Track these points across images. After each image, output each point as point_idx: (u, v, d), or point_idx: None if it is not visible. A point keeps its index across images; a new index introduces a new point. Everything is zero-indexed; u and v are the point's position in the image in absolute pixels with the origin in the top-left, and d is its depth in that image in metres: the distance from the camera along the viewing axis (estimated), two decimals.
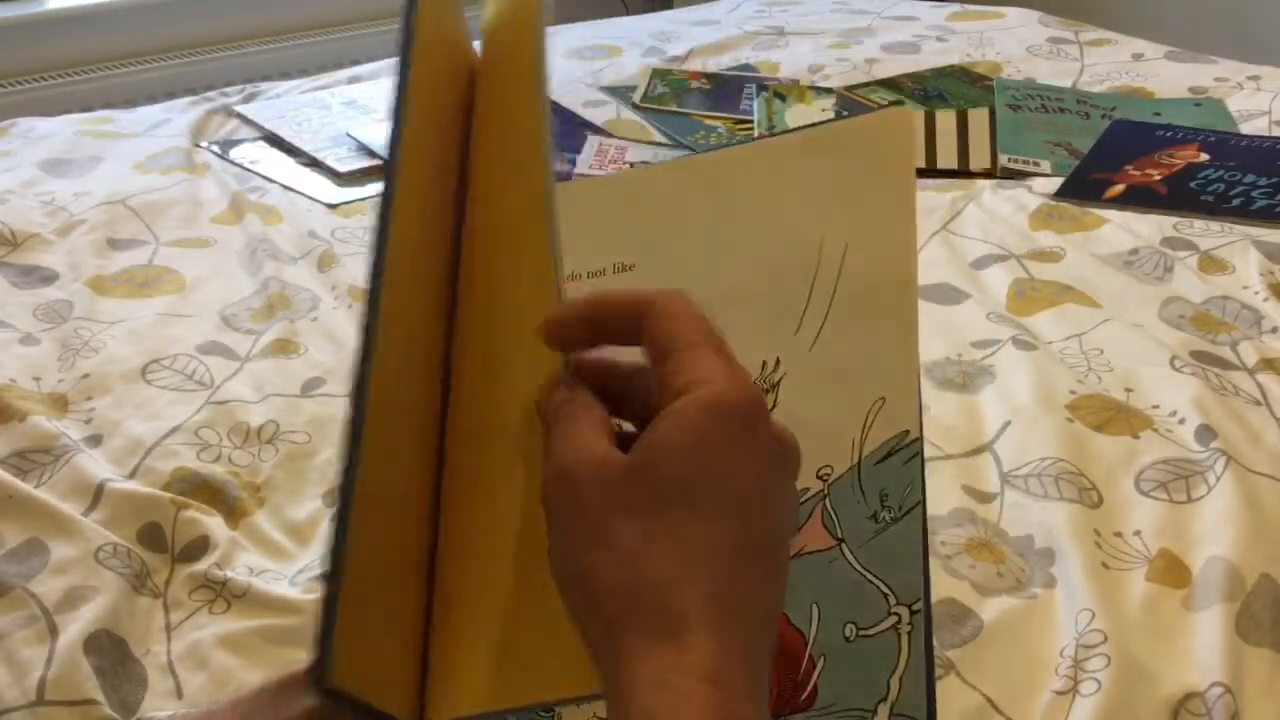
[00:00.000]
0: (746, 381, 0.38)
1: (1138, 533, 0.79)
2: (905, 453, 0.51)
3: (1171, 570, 0.76)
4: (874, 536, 0.51)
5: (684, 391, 0.37)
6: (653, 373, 0.39)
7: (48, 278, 1.13)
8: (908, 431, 0.51)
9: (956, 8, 1.93)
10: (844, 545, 0.51)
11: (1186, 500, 0.81)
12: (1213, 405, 0.89)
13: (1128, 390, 0.92)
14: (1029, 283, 1.09)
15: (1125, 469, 0.84)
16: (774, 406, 0.52)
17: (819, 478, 0.51)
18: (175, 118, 1.53)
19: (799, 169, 0.54)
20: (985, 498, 0.82)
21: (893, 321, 0.52)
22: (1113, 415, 0.89)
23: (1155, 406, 0.90)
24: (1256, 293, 1.06)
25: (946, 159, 0.53)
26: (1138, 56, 1.70)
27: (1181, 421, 0.88)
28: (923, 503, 0.51)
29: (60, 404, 0.93)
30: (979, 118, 0.54)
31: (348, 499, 0.39)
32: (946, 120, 0.52)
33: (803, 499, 0.51)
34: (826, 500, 0.51)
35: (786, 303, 0.52)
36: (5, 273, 1.13)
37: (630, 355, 0.42)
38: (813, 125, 0.57)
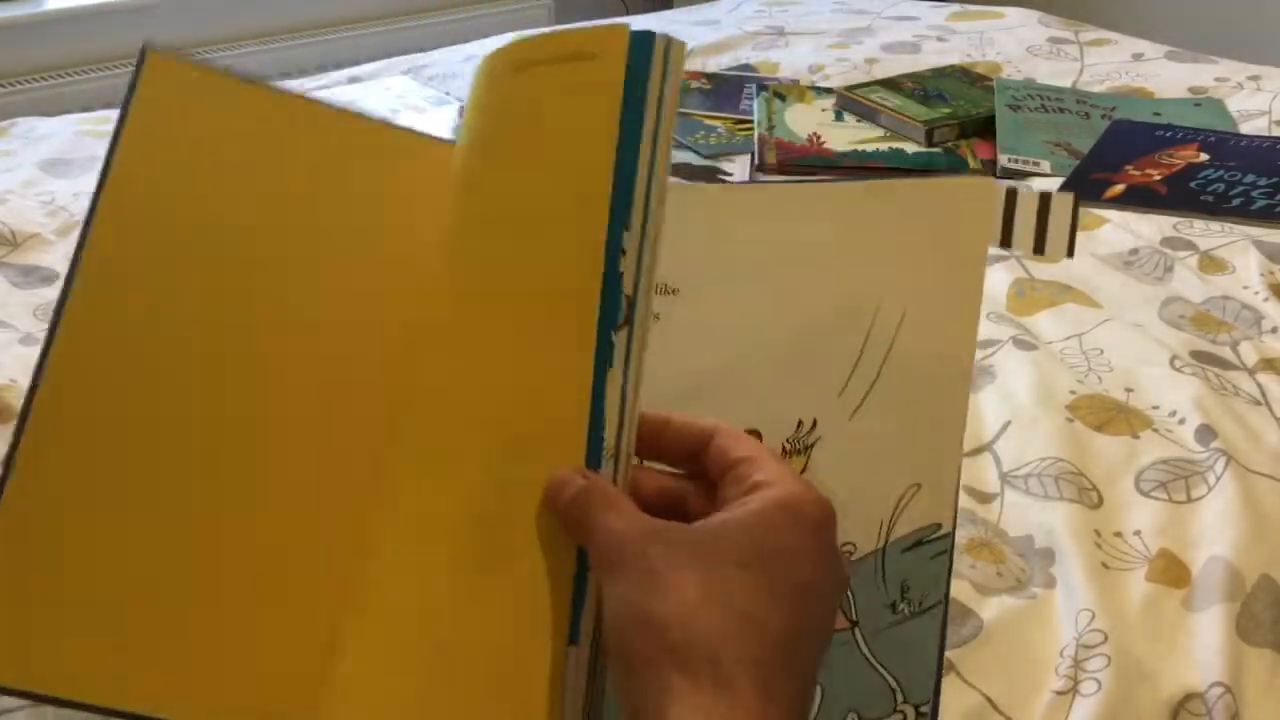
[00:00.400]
0: (818, 491, 0.42)
1: (1138, 533, 0.79)
2: (934, 546, 0.49)
3: (1171, 570, 0.76)
4: (890, 627, 0.50)
5: (756, 489, 0.41)
6: (717, 485, 0.43)
7: (48, 278, 1.13)
8: (940, 525, 0.49)
9: (956, 8, 1.93)
10: (857, 629, 0.50)
11: (1186, 500, 0.81)
12: (1213, 405, 0.89)
13: (1128, 390, 0.92)
14: (1029, 282, 1.09)
15: (1125, 469, 0.84)
16: (804, 469, 0.50)
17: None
18: None
19: (864, 220, 0.51)
20: (985, 498, 0.82)
21: (941, 409, 0.49)
22: (1113, 415, 0.89)
23: (1155, 406, 0.90)
24: (1256, 293, 1.06)
25: (1022, 240, 0.50)
26: (1138, 56, 1.70)
27: (1181, 421, 0.88)
28: (944, 604, 0.50)
29: None
30: (1064, 201, 0.50)
31: None
32: (1029, 200, 0.48)
33: None
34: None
35: (832, 362, 0.50)
36: (5, 273, 1.13)
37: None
38: (884, 177, 0.53)
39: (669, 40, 0.45)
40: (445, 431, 0.46)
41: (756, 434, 0.50)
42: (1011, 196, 0.50)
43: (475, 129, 0.49)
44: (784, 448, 0.50)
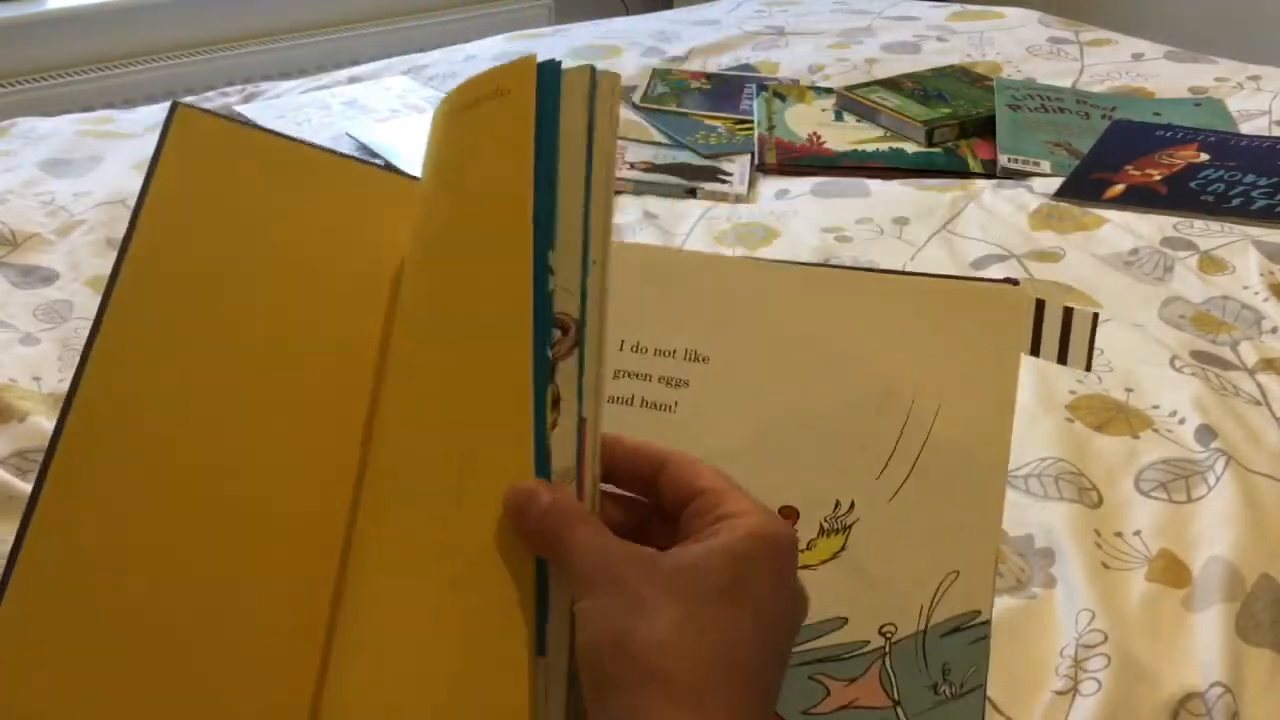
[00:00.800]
0: (779, 520, 0.43)
1: (1138, 533, 0.79)
2: (973, 633, 0.51)
3: (1171, 570, 0.76)
4: (932, 708, 0.50)
5: (722, 519, 0.41)
6: (675, 515, 0.43)
7: (48, 278, 1.13)
8: (979, 612, 0.51)
9: (956, 8, 1.93)
10: (900, 709, 0.50)
11: (1186, 500, 0.81)
12: (1213, 405, 0.89)
13: (1128, 390, 0.92)
14: (1029, 283, 1.09)
15: (1125, 469, 0.84)
16: (843, 548, 0.51)
17: (881, 634, 0.51)
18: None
19: (901, 313, 0.53)
20: None
21: (978, 500, 0.51)
22: (1113, 415, 0.89)
23: (1155, 406, 0.90)
24: (1256, 293, 1.06)
25: (1049, 350, 0.53)
26: (1138, 56, 1.70)
27: (1181, 421, 0.88)
28: (984, 686, 0.51)
29: (60, 404, 0.93)
30: (1084, 317, 0.54)
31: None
32: (1055, 312, 0.52)
33: (860, 651, 0.51)
34: (886, 659, 0.50)
35: (869, 444, 0.51)
36: (5, 273, 1.13)
37: None
38: (923, 275, 0.56)
39: (591, 69, 0.47)
40: (409, 456, 0.47)
41: (794, 511, 0.51)
42: (1040, 307, 0.53)
43: (428, 168, 0.52)
44: (821, 526, 0.51)
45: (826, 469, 0.52)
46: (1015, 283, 0.53)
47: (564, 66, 0.47)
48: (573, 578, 0.41)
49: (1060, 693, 0.68)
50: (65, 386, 0.94)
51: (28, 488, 0.81)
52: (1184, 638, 0.72)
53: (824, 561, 0.51)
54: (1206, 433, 0.86)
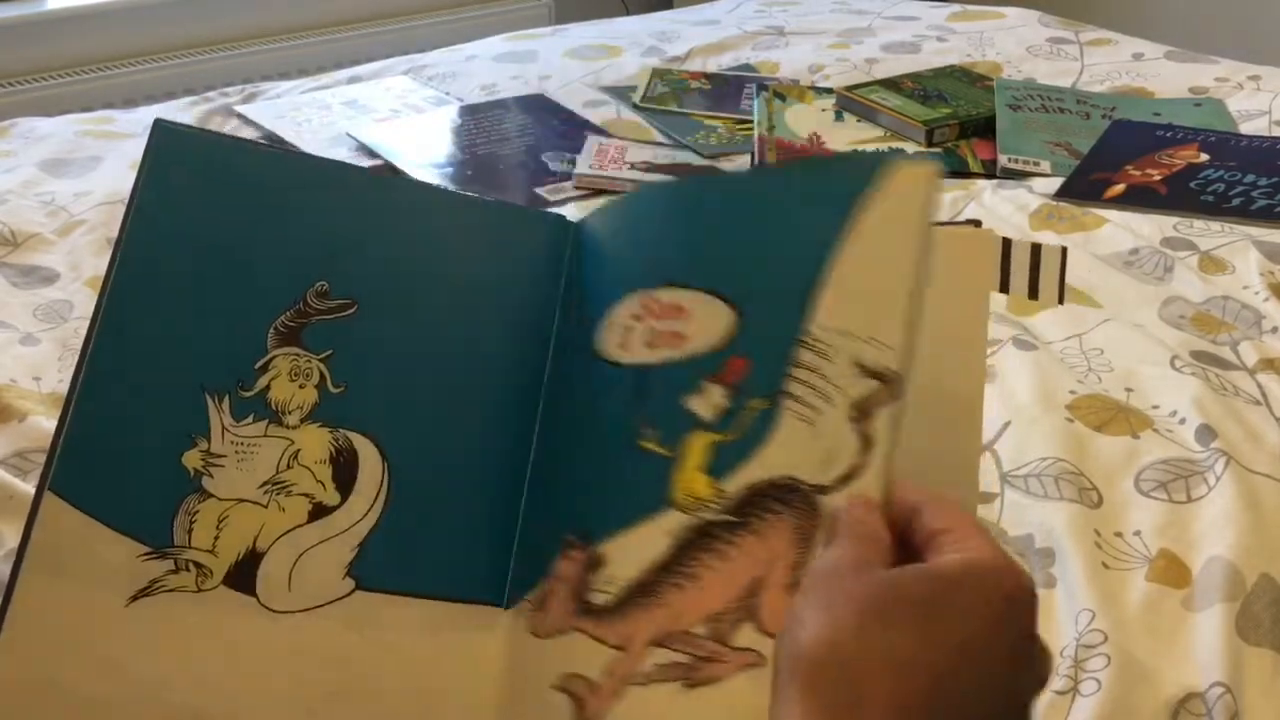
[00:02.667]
0: (1021, 569, 0.42)
1: (1138, 533, 0.79)
2: None
3: (1171, 570, 0.76)
4: None
5: (948, 547, 0.42)
6: (927, 548, 0.43)
7: (48, 278, 1.13)
8: None
9: (956, 8, 1.93)
10: None
11: (1186, 500, 0.81)
12: (1213, 405, 0.89)
13: (1128, 390, 0.92)
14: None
15: (1125, 469, 0.84)
16: None
17: None
18: (175, 118, 1.53)
19: None
20: (985, 498, 0.82)
21: (956, 441, 0.52)
22: (1113, 415, 0.89)
23: (1155, 406, 0.90)
24: (1257, 293, 1.06)
25: (1018, 286, 0.54)
26: (1138, 56, 1.70)
27: (1182, 421, 0.88)
28: None
29: (60, 404, 0.93)
30: (1053, 252, 0.54)
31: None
32: (1022, 249, 0.52)
33: None
34: None
35: None
36: (5, 273, 1.13)
37: None
38: None
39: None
40: None
41: None
42: (1007, 245, 0.54)
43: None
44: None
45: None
46: (978, 224, 0.54)
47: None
48: (808, 574, 0.43)
49: (1060, 693, 0.68)
50: (65, 387, 0.95)
51: (28, 488, 0.81)
52: (1184, 638, 0.72)
53: None
54: (1206, 433, 0.86)
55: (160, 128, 0.57)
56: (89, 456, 0.52)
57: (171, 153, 0.57)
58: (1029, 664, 0.41)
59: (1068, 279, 1.07)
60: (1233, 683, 0.68)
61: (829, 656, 0.38)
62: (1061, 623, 0.73)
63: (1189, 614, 0.73)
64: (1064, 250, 0.54)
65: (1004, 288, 0.53)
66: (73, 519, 0.51)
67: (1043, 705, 0.68)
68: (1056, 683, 0.69)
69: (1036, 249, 0.53)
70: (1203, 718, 0.67)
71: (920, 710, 0.38)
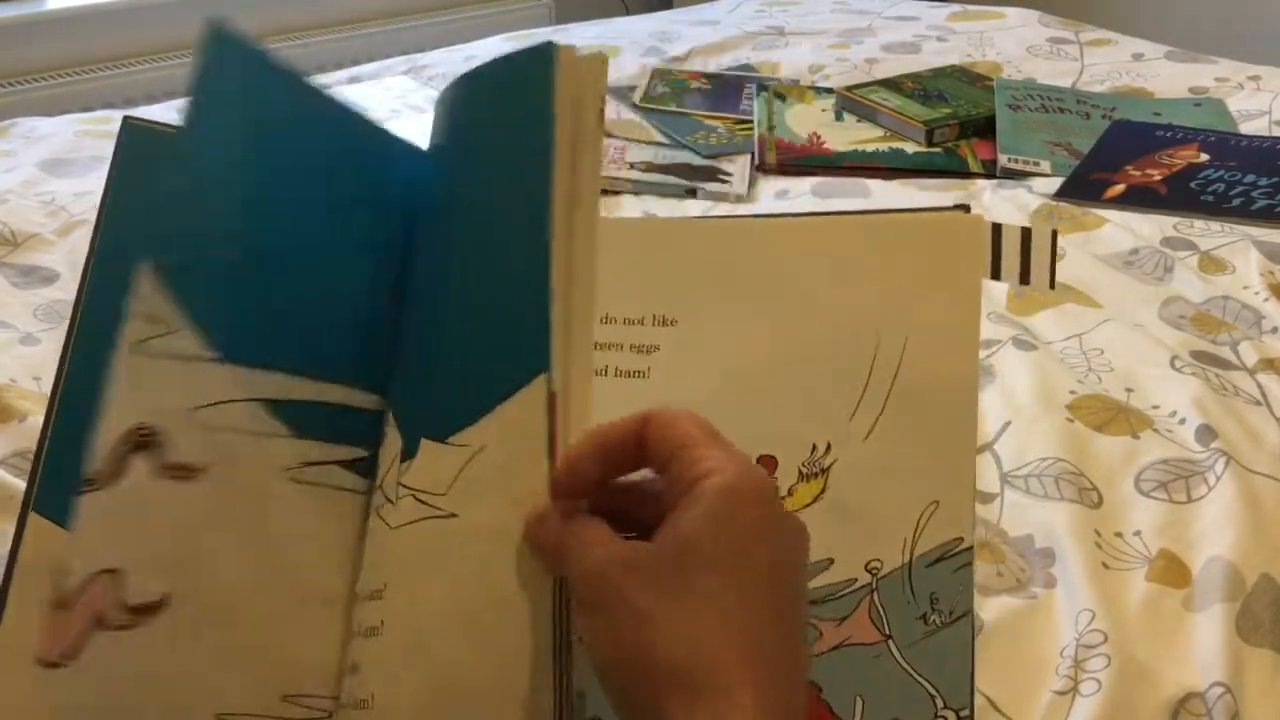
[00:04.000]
0: (754, 467, 0.42)
1: (1138, 533, 0.79)
2: (957, 560, 0.51)
3: (1172, 570, 0.76)
4: (923, 638, 0.51)
5: (698, 480, 0.41)
6: (661, 476, 0.43)
7: (48, 278, 1.13)
8: (961, 539, 0.51)
9: (956, 8, 1.94)
10: (891, 642, 0.51)
11: (1186, 500, 0.81)
12: (1213, 405, 0.89)
13: (1128, 390, 0.92)
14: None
15: (1125, 469, 0.84)
16: (823, 490, 0.52)
17: (867, 570, 0.51)
18: (175, 118, 1.53)
19: (860, 253, 0.54)
20: (985, 498, 0.82)
21: (951, 425, 0.52)
22: (1113, 415, 0.89)
23: (1155, 406, 0.90)
24: (1257, 293, 1.06)
25: (1009, 272, 0.54)
26: (1138, 56, 1.70)
27: (1182, 422, 0.88)
28: (971, 611, 0.51)
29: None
30: (1043, 234, 0.54)
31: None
32: (1012, 234, 0.53)
33: (849, 589, 0.51)
34: (875, 595, 0.51)
35: (839, 388, 0.52)
36: (5, 273, 1.13)
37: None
38: (876, 211, 0.56)
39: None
40: None
41: (772, 460, 0.52)
42: (997, 231, 0.53)
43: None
44: (800, 471, 0.52)
45: (799, 415, 0.52)
46: (967, 209, 0.53)
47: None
48: (576, 599, 0.42)
49: (1060, 693, 0.68)
50: None
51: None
52: (1184, 638, 0.72)
53: (805, 506, 0.52)
54: (1206, 433, 0.86)
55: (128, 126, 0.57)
56: (69, 473, 0.51)
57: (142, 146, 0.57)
58: (799, 537, 0.42)
59: (1069, 278, 1.08)
60: (1233, 683, 0.68)
61: (678, 648, 0.39)
62: (1061, 623, 0.73)
63: (1189, 614, 0.73)
64: (1054, 233, 0.54)
65: (995, 274, 0.53)
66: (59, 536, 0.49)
67: (1043, 705, 0.68)
68: (1056, 683, 0.69)
69: (1027, 233, 0.53)
70: (1203, 718, 0.67)
71: (762, 657, 0.39)
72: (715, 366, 0.53)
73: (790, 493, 0.52)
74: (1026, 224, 0.56)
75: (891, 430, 0.51)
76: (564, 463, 0.43)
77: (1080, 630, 0.71)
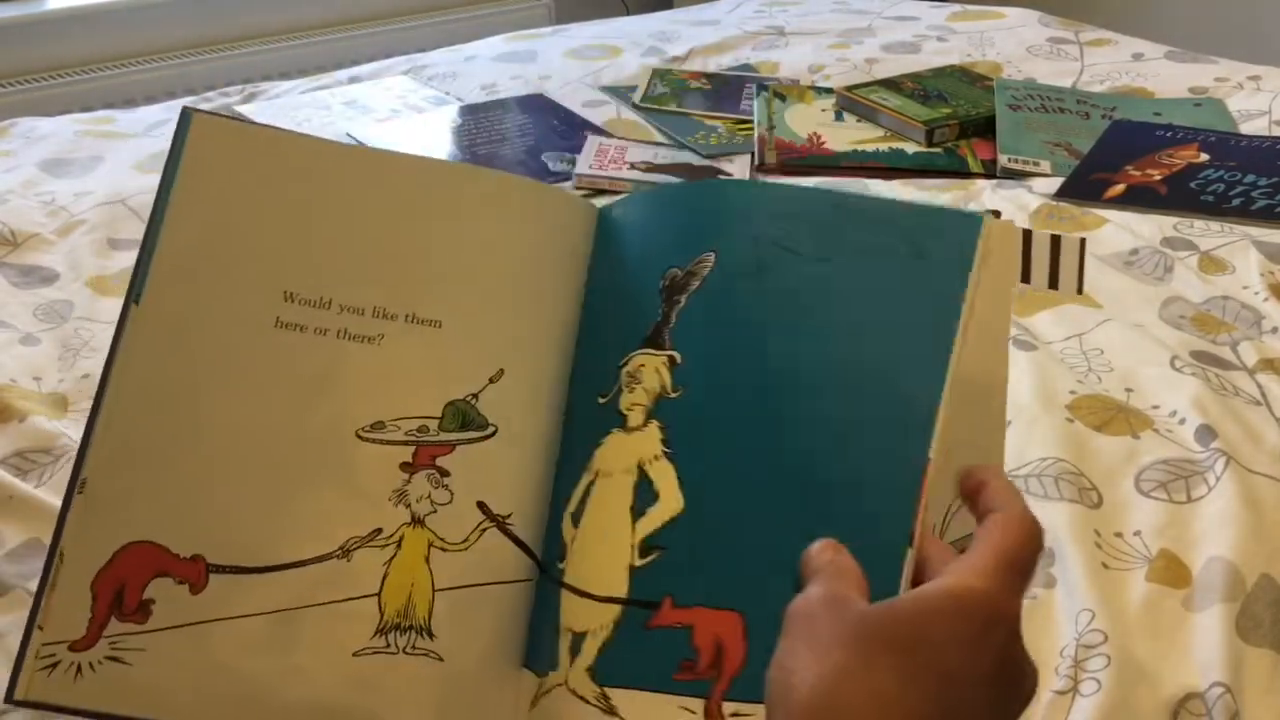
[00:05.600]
0: (1004, 586, 0.42)
1: (1138, 533, 0.79)
2: None
3: (1171, 570, 0.76)
4: None
5: (945, 574, 0.42)
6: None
7: (48, 278, 1.13)
8: None
9: (956, 8, 1.93)
10: None
11: (1186, 500, 0.81)
12: (1213, 405, 0.89)
13: (1128, 390, 0.92)
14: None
15: (1125, 469, 0.84)
16: None
17: None
18: (175, 118, 1.53)
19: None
20: None
21: (980, 425, 0.53)
22: (1113, 415, 0.89)
23: (1155, 406, 0.90)
24: (1256, 293, 1.06)
25: (1038, 278, 0.55)
26: (1138, 56, 1.70)
27: (1181, 422, 0.88)
28: None
29: (60, 404, 0.93)
30: (1072, 243, 0.56)
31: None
32: (1042, 240, 0.54)
33: None
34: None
35: None
36: (5, 273, 1.13)
37: None
38: (904, 205, 0.57)
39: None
40: None
41: None
42: (1028, 237, 0.54)
43: None
44: None
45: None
46: (998, 214, 0.55)
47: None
48: (786, 619, 0.43)
49: (1060, 693, 0.68)
50: (65, 386, 0.95)
51: (28, 488, 0.81)
52: (1184, 638, 0.72)
53: None
54: (1206, 433, 0.86)
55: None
56: None
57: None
58: (1012, 683, 0.42)
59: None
60: (1233, 683, 0.68)
61: (815, 694, 0.39)
62: (1061, 623, 0.73)
63: (1189, 614, 0.73)
64: (1083, 241, 0.55)
65: (1025, 278, 0.54)
66: None
67: (1043, 705, 0.68)
68: (1056, 683, 0.69)
69: (1056, 240, 0.55)
70: (1203, 718, 0.67)
71: None
72: None
73: None
74: (1027, 224, 0.57)
75: None
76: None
77: (1080, 630, 0.71)
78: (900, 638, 0.40)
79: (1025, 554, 0.44)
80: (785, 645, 0.41)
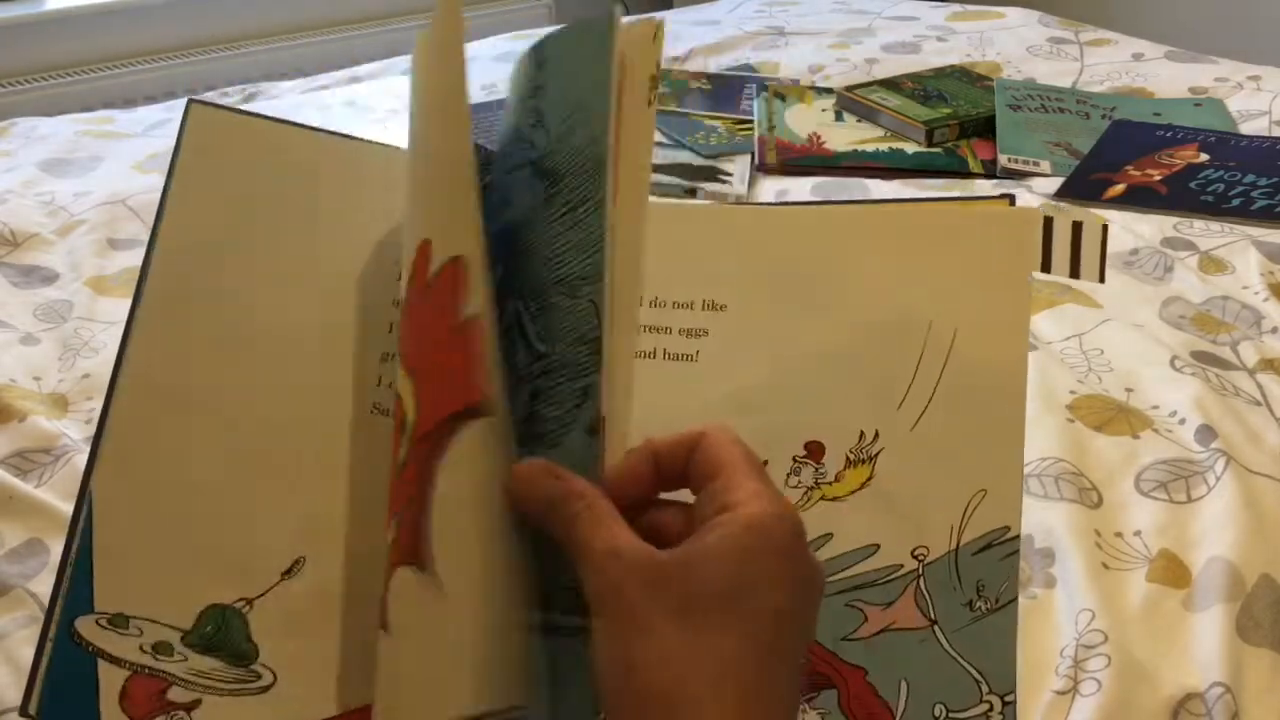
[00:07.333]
0: (787, 506, 0.41)
1: (1138, 533, 0.79)
2: (1004, 548, 0.51)
3: (1171, 570, 0.76)
4: (969, 624, 0.51)
5: (728, 508, 0.40)
6: (699, 496, 0.42)
7: (48, 278, 1.13)
8: (1008, 528, 0.51)
9: (956, 8, 1.94)
10: (937, 627, 0.51)
11: (1186, 500, 0.81)
12: (1213, 405, 0.89)
13: (1128, 390, 0.92)
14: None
15: (1125, 469, 0.84)
16: (870, 477, 0.52)
17: (914, 556, 0.52)
18: (175, 118, 1.53)
19: (912, 243, 0.54)
20: None
21: (1000, 416, 0.52)
22: (1113, 415, 0.89)
23: (1155, 407, 0.90)
24: (1256, 293, 1.06)
25: (1060, 266, 0.55)
26: (1138, 56, 1.70)
27: (1182, 422, 0.88)
28: (1017, 600, 0.52)
29: (60, 404, 0.93)
30: (1094, 229, 0.55)
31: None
32: (1064, 227, 0.53)
33: (895, 575, 0.51)
34: (921, 581, 0.51)
35: (889, 376, 0.53)
36: (5, 273, 1.13)
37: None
38: (929, 200, 0.57)
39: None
40: None
41: (820, 446, 0.53)
42: (1049, 224, 0.54)
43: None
44: (847, 458, 0.52)
45: (848, 402, 0.53)
46: (1012, 200, 0.54)
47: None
48: (588, 593, 0.41)
49: (1060, 693, 0.68)
50: (65, 386, 0.95)
51: (28, 488, 0.81)
52: (1184, 638, 0.72)
53: (852, 492, 0.52)
54: (1206, 433, 0.86)
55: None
56: None
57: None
58: (816, 587, 0.42)
59: (1068, 280, 1.07)
60: (1233, 683, 0.68)
61: (665, 673, 0.38)
62: (1061, 623, 0.73)
63: (1189, 614, 0.73)
64: (1105, 227, 0.54)
65: (1045, 267, 0.54)
66: None
67: (1043, 705, 0.68)
68: (1056, 683, 0.69)
69: (1078, 226, 0.54)
70: (1203, 718, 0.67)
71: (757, 696, 0.39)
72: (764, 352, 0.54)
73: (838, 478, 0.52)
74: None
75: (939, 419, 0.52)
76: (616, 470, 0.43)
77: (1080, 630, 0.71)
78: (721, 592, 0.39)
79: (753, 454, 0.43)
80: (603, 627, 0.40)
